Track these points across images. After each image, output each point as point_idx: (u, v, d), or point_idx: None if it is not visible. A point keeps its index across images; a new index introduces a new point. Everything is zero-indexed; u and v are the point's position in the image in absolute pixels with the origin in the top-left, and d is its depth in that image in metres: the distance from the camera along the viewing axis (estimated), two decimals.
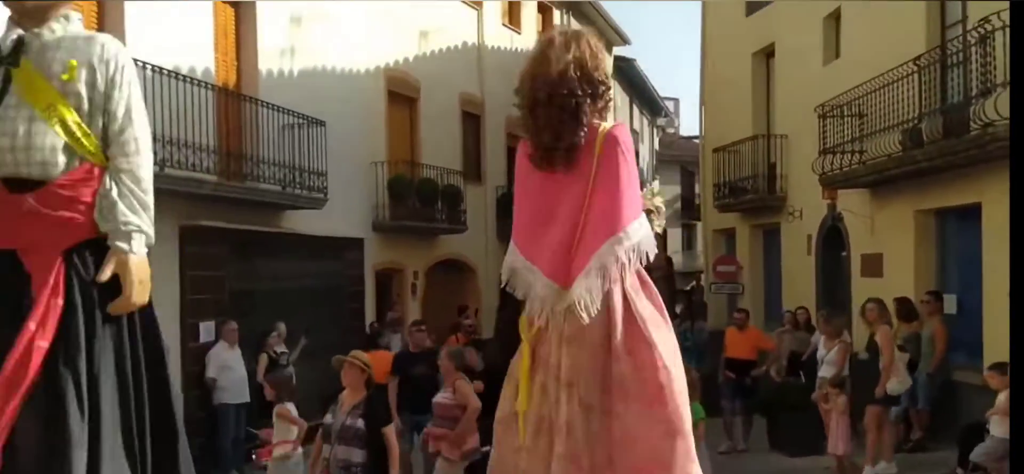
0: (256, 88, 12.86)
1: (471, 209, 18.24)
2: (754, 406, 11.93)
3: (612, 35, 27.61)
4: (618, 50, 29.03)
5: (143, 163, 2.71)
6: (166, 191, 10.45)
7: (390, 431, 6.39)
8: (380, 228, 15.83)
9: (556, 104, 2.88)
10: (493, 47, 19.93)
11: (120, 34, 10.42)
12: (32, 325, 2.51)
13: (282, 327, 11.78)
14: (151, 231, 2.72)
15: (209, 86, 11.65)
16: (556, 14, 23.16)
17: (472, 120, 19.33)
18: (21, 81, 2.62)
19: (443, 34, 18.01)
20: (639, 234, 2.81)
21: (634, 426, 2.79)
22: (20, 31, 2.67)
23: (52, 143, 2.62)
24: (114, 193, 2.65)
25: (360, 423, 6.18)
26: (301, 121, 13.05)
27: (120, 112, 2.67)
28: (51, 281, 2.58)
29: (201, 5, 12.01)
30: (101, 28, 10.36)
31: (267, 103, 12.60)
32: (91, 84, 2.65)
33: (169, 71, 10.64)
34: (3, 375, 2.46)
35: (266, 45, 13.22)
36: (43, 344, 2.51)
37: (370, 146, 15.60)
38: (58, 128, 2.62)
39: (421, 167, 16.86)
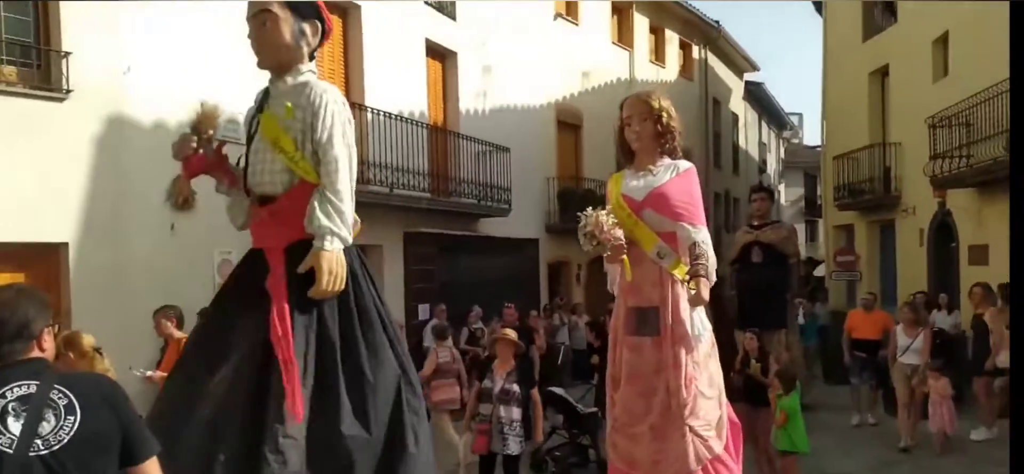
0: (458, 124, 13.41)
1: None
2: (882, 382, 10.57)
3: (743, 63, 26.93)
4: (748, 75, 28.28)
5: (341, 178, 2.70)
6: (394, 206, 11.32)
7: (535, 392, 6.33)
8: (551, 230, 16.20)
9: None
10: (642, 80, 19.91)
11: (360, 90, 11.34)
12: (283, 306, 2.62)
13: (478, 309, 12.17)
14: (346, 233, 2.69)
15: (424, 125, 12.30)
16: (695, 50, 22.81)
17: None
18: (263, 123, 2.81)
19: (601, 72, 18.20)
20: None
21: None
22: (268, 86, 2.89)
23: (279, 167, 2.77)
24: (315, 203, 2.68)
25: (515, 387, 6.11)
26: (491, 148, 13.57)
27: (323, 138, 2.70)
28: (280, 271, 2.69)
29: (418, 62, 12.68)
30: (347, 85, 11.30)
31: (465, 136, 13.16)
32: (302, 119, 2.73)
33: (395, 115, 11.39)
34: (280, 349, 2.57)
35: (464, 90, 13.76)
36: (281, 322, 2.59)
37: (544, 165, 16.00)
38: (281, 156, 2.76)
39: (584, 180, 17.15)
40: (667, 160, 3.60)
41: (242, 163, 2.91)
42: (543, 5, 16.23)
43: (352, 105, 10.98)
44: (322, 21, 2.90)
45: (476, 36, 13.96)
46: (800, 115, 39.50)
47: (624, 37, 19.35)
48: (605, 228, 3.39)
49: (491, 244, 13.93)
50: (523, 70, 15.17)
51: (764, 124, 31.90)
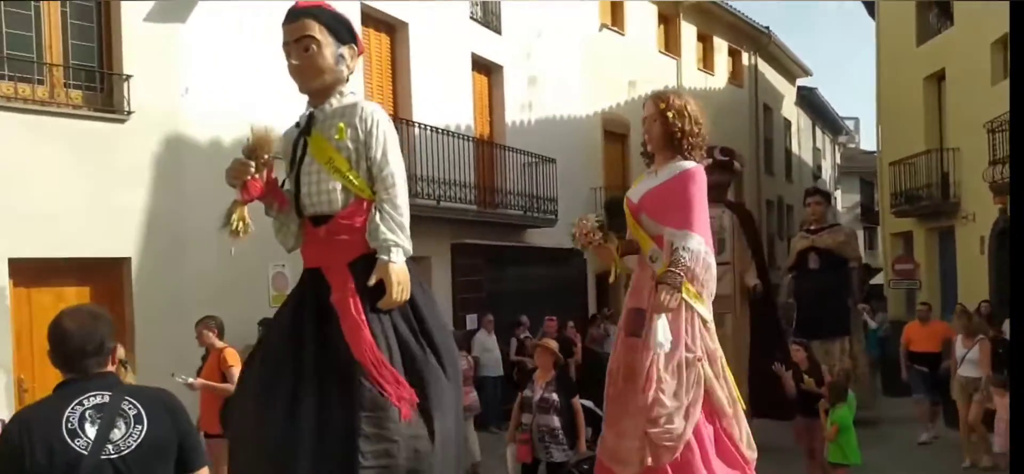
0: (504, 136, 13.54)
1: None
2: (943, 396, 9.68)
3: (795, 68, 26.50)
4: (801, 81, 27.78)
5: (399, 193, 2.78)
6: (441, 218, 11.49)
7: (577, 401, 6.28)
8: None
9: None
10: (690, 88, 19.76)
11: (408, 106, 11.57)
12: (361, 317, 2.69)
13: (525, 318, 12.19)
14: (407, 245, 2.76)
15: (470, 138, 12.47)
16: (744, 56, 22.55)
17: None
18: (312, 146, 2.86)
19: (647, 82, 18.08)
20: None
21: None
22: (312, 109, 2.93)
23: (332, 186, 2.80)
24: (377, 218, 2.75)
25: (555, 396, 6.11)
26: (537, 160, 13.66)
27: (378, 156, 2.77)
28: (350, 286, 2.73)
29: (464, 77, 12.84)
30: (395, 101, 11.55)
31: (511, 148, 13.29)
32: (355, 139, 2.79)
33: (442, 129, 11.58)
34: (365, 355, 2.67)
35: (510, 102, 13.89)
36: (366, 332, 2.69)
37: (590, 176, 16.02)
38: (336, 175, 2.80)
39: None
40: (676, 161, 3.50)
41: (287, 186, 2.96)
42: (588, 16, 16.28)
43: (399, 121, 11.25)
44: (357, 43, 2.97)
45: (521, 49, 14.10)
46: (856, 120, 38.59)
47: (671, 45, 19.26)
48: (584, 230, 3.56)
49: (538, 254, 13.98)
50: (569, 81, 15.25)
51: (818, 130, 31.26)
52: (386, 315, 2.74)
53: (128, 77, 8.07)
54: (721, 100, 20.92)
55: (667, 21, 19.22)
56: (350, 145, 2.79)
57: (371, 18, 11.14)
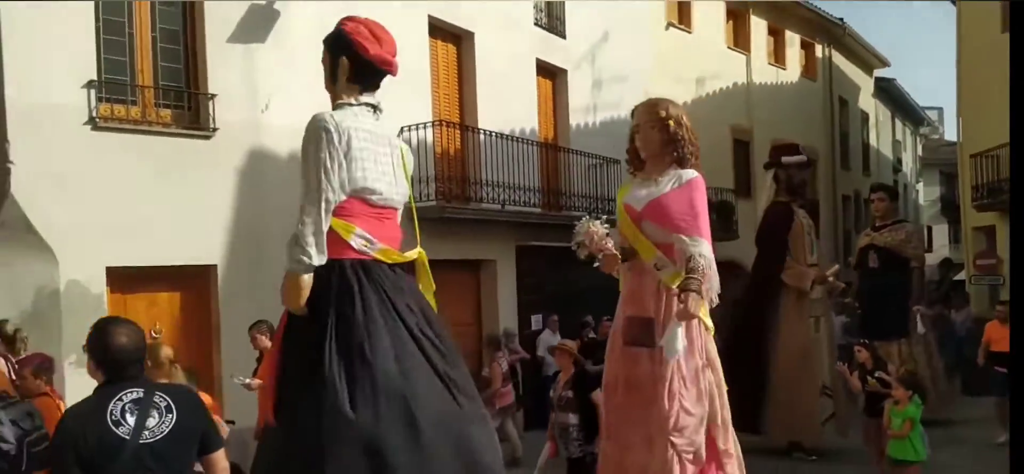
0: (568, 140, 13.68)
1: (742, 219, 18.01)
2: None
3: (872, 59, 25.70)
4: (879, 72, 26.93)
5: (305, 204, 2.76)
6: (506, 222, 11.77)
7: (598, 395, 6.09)
8: None
9: None
10: (760, 83, 19.49)
11: (473, 113, 11.88)
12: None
13: (590, 319, 12.20)
14: (299, 254, 2.76)
15: (534, 142, 12.68)
16: (818, 49, 22.03)
17: (742, 146, 19.06)
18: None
19: (716, 78, 17.99)
20: None
21: None
22: None
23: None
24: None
25: (570, 393, 6.31)
26: (600, 162, 13.74)
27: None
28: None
29: (528, 83, 13.01)
30: (461, 109, 11.87)
31: (575, 150, 13.42)
32: None
33: (506, 135, 11.84)
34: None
35: (574, 105, 14.02)
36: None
37: None
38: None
39: None
40: (674, 170, 3.53)
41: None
42: (655, 15, 16.27)
43: (465, 127, 11.58)
44: (352, 53, 2.89)
45: (586, 52, 14.22)
46: (940, 110, 37.02)
47: (740, 41, 19.02)
48: (596, 239, 3.47)
49: None
50: (634, 81, 15.24)
51: (898, 121, 30.20)
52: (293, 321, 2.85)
53: (213, 96, 8.63)
54: (793, 94, 20.52)
55: (736, 17, 18.98)
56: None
57: (438, 29, 11.50)
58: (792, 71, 20.87)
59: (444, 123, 11.14)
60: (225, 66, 8.76)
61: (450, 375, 2.82)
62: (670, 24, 16.81)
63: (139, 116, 8.27)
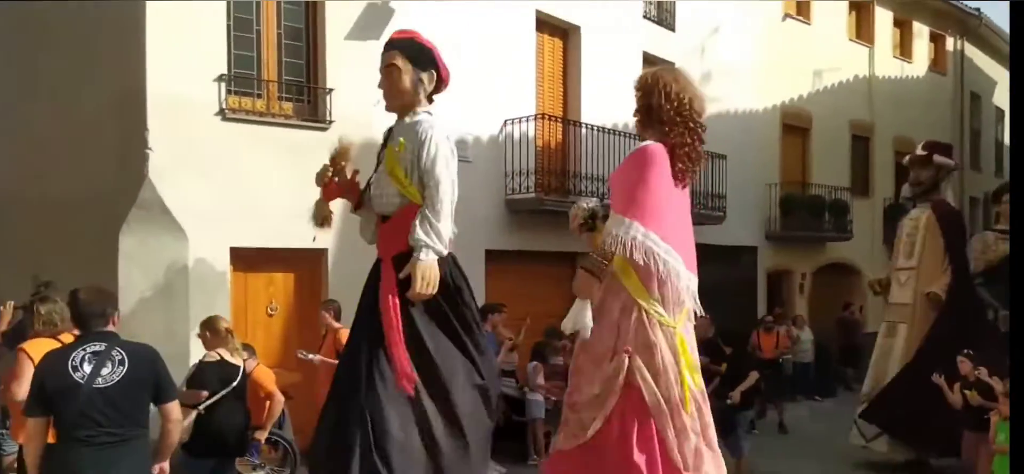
0: None
1: (858, 219, 17.27)
2: None
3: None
4: None
5: (440, 199, 3.14)
6: (605, 216, 11.80)
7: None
8: (772, 237, 15.74)
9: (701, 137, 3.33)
10: (883, 77, 18.50)
11: (577, 107, 11.95)
12: (391, 305, 3.19)
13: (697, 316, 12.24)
14: (439, 246, 3.12)
15: (635, 136, 12.60)
16: (949, 41, 20.66)
17: (861, 142, 18.20)
18: (386, 155, 3.39)
19: (835, 72, 17.23)
20: None
21: None
22: (391, 126, 3.46)
23: (392, 191, 3.31)
24: (417, 220, 3.15)
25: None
26: (705, 156, 13.50)
27: (427, 165, 3.17)
28: (391, 279, 3.23)
29: (634, 76, 12.93)
30: (565, 103, 11.98)
31: None
32: (412, 152, 3.23)
33: (608, 128, 11.85)
34: (391, 332, 3.18)
35: None
36: (389, 314, 3.18)
37: (765, 171, 15.59)
38: (394, 182, 3.29)
39: (811, 186, 16.42)
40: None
41: (372, 188, 3.50)
42: (771, 6, 15.75)
43: (566, 121, 11.67)
44: (438, 69, 3.39)
45: (695, 44, 13.98)
46: None
47: (863, 33, 18.11)
48: (576, 220, 3.60)
49: (704, 251, 13.52)
50: (745, 74, 14.89)
51: None
52: (427, 306, 3.18)
53: (330, 90, 9.12)
54: (920, 90, 19.38)
55: (859, 8, 18.08)
56: (409, 156, 3.23)
57: (545, 24, 11.61)
58: (919, 64, 19.70)
59: (546, 117, 11.28)
60: (342, 62, 9.21)
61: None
62: (787, 15, 16.22)
63: (264, 108, 8.85)
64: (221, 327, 5.53)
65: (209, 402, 5.21)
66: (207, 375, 5.32)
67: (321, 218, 3.65)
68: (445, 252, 3.18)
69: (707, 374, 9.91)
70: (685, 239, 3.39)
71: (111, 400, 3.51)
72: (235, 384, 5.32)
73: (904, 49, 19.39)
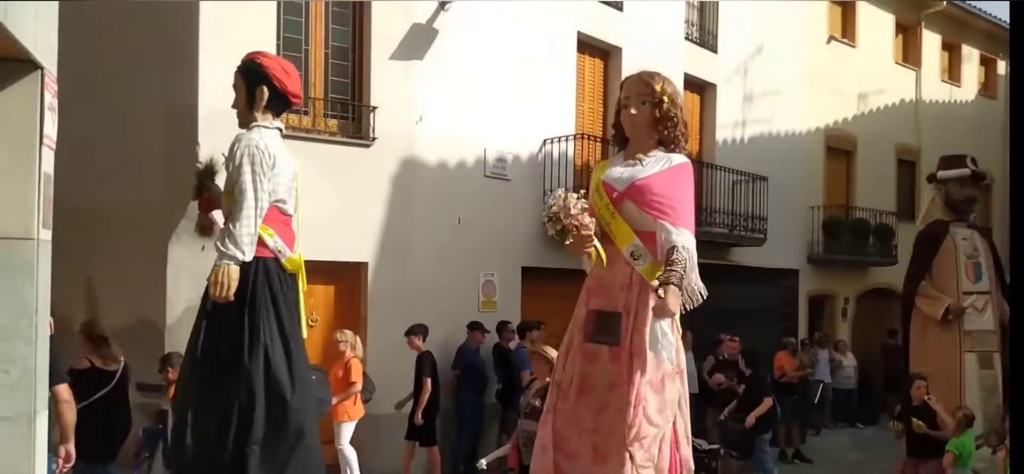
0: (714, 155, 13.42)
1: (904, 244, 16.85)
2: None
3: None
4: None
5: (241, 206, 3.25)
6: None
7: None
8: (814, 260, 15.48)
9: None
10: (930, 101, 18.11)
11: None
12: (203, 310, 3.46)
13: (724, 337, 11.76)
14: (235, 252, 3.23)
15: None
16: (1000, 65, 20.14)
17: (907, 166, 17.81)
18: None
19: (881, 95, 16.94)
20: None
21: None
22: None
23: (225, 203, 3.50)
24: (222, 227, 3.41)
25: (538, 402, 5.58)
26: (746, 178, 13.40)
27: (233, 177, 3.32)
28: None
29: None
30: (603, 124, 11.97)
31: (719, 166, 13.16)
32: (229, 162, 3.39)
33: None
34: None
35: (722, 120, 13.74)
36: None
37: (808, 193, 15.35)
38: (226, 194, 3.49)
39: (855, 209, 16.12)
40: (660, 152, 3.21)
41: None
42: (815, 28, 15.58)
43: (605, 141, 11.68)
44: (271, 85, 3.40)
45: (737, 66, 13.89)
46: None
47: (910, 56, 17.78)
48: (571, 211, 2.97)
49: (744, 274, 13.67)
50: (788, 96, 14.73)
51: None
52: (215, 309, 3.31)
53: (374, 108, 9.29)
54: (969, 114, 18.92)
55: (906, 31, 17.75)
56: (229, 168, 3.37)
57: (586, 45, 11.66)
58: (968, 88, 19.25)
59: (586, 136, 11.30)
60: (386, 80, 9.39)
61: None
62: (832, 37, 16.01)
63: (309, 125, 9.05)
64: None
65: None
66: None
67: (201, 228, 3.84)
68: (242, 257, 3.25)
69: (725, 395, 9.82)
70: None
71: None
72: None
73: (953, 73, 18.96)
